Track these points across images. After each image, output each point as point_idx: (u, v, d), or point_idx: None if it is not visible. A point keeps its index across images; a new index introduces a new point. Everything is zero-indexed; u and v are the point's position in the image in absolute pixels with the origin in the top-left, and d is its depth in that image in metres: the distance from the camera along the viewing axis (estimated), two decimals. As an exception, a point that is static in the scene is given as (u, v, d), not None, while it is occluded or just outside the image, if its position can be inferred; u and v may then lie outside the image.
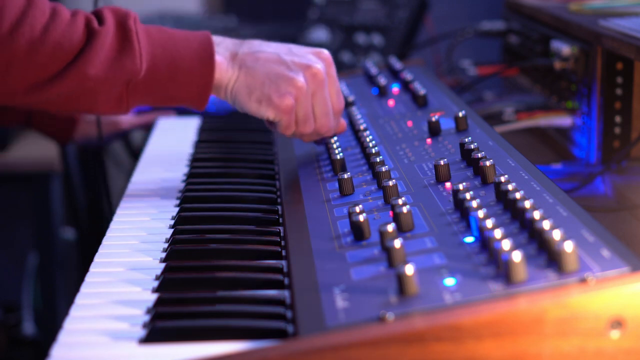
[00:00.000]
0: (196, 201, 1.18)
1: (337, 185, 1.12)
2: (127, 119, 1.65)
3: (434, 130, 1.23)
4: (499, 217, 0.92)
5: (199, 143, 1.48)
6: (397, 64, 1.59)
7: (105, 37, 1.08)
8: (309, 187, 1.15)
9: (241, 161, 1.36)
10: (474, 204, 0.91)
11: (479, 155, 1.05)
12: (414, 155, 1.18)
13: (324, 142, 1.27)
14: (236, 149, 1.43)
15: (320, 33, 2.10)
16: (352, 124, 1.33)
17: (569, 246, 0.79)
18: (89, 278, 0.97)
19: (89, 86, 1.08)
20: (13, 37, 1.04)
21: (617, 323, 0.76)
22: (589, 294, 0.76)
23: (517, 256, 0.79)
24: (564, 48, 1.43)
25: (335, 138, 1.24)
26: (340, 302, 0.83)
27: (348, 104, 1.44)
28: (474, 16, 2.06)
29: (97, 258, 1.03)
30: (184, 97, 1.15)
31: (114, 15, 1.11)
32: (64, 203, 2.39)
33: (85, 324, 0.87)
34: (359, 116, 1.35)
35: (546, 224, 0.83)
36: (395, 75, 1.57)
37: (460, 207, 0.95)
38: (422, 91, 1.38)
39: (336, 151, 1.19)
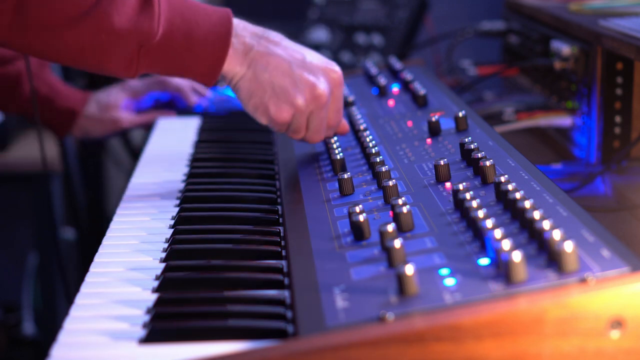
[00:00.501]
0: (196, 201, 1.18)
1: (337, 185, 1.12)
2: (128, 118, 1.65)
3: (434, 130, 1.23)
4: (499, 217, 0.92)
5: (199, 143, 1.48)
6: (397, 64, 1.59)
7: None
8: (309, 187, 1.15)
9: (241, 161, 1.36)
10: (474, 203, 0.91)
11: (479, 155, 1.05)
12: (414, 155, 1.18)
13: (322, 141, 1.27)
14: (236, 149, 1.43)
15: (320, 33, 2.09)
16: (352, 124, 1.33)
17: (569, 246, 0.79)
18: (89, 278, 0.97)
19: (102, 39, 1.06)
20: None
21: (617, 323, 0.76)
22: (589, 294, 0.76)
23: (517, 256, 0.79)
24: (564, 48, 1.43)
25: (335, 138, 1.24)
26: (340, 302, 0.83)
27: (348, 104, 1.44)
28: (474, 16, 2.06)
29: (97, 258, 1.03)
30: (194, 70, 1.13)
31: None
32: (64, 203, 2.39)
33: (85, 324, 0.87)
34: (359, 116, 1.35)
35: (546, 224, 0.83)
36: (395, 75, 1.57)
37: (461, 207, 0.94)
38: (422, 91, 1.38)
39: (336, 151, 1.19)
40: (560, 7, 1.58)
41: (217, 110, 1.68)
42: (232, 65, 1.15)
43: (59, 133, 1.65)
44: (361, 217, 0.95)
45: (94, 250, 1.05)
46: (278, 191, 1.20)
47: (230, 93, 1.69)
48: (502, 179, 0.95)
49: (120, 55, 1.08)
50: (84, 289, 0.95)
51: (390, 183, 1.03)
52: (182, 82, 1.68)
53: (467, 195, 0.93)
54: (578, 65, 1.41)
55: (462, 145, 1.11)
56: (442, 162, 1.06)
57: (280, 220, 1.10)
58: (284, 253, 1.01)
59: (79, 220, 2.37)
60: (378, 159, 1.13)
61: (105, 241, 1.08)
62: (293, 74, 1.16)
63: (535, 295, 0.77)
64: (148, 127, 1.67)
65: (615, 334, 0.77)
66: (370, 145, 1.19)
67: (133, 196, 1.24)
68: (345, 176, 1.09)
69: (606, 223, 0.88)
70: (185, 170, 1.33)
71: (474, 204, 0.91)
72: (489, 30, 1.79)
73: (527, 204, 0.88)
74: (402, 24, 1.97)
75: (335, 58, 2.00)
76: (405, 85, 1.48)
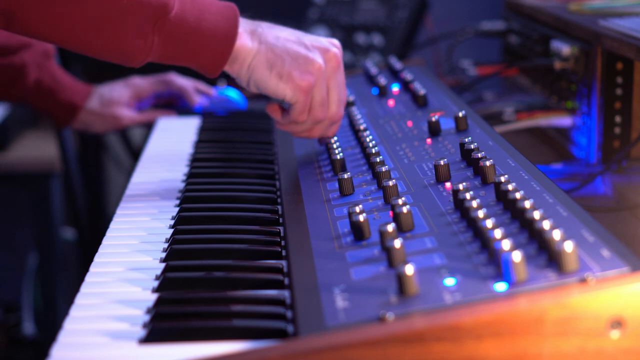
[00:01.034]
0: (196, 201, 1.18)
1: (337, 185, 1.12)
2: (129, 115, 1.65)
3: (434, 130, 1.23)
4: (499, 217, 0.92)
5: (199, 143, 1.48)
6: (397, 64, 1.59)
7: None
8: (309, 187, 1.15)
9: (241, 161, 1.36)
10: (474, 203, 0.91)
11: (479, 155, 1.05)
12: (414, 155, 1.18)
13: (324, 141, 1.27)
14: (236, 149, 1.43)
15: (320, 33, 2.09)
16: (352, 124, 1.33)
17: (569, 246, 0.79)
18: (89, 278, 0.97)
19: (119, 6, 1.03)
20: None
21: (617, 323, 0.76)
22: (589, 294, 0.76)
23: (517, 256, 0.79)
24: (564, 48, 1.43)
25: (335, 138, 1.24)
26: (340, 302, 0.83)
27: (348, 104, 1.44)
28: (474, 16, 2.06)
29: (97, 258, 1.02)
30: (205, 53, 1.12)
31: None
32: (64, 203, 2.39)
33: (85, 324, 0.87)
34: (359, 116, 1.35)
35: (546, 224, 0.83)
36: (395, 75, 1.57)
37: (461, 207, 0.94)
38: (422, 91, 1.38)
39: (336, 151, 1.19)
40: (560, 7, 1.58)
41: (217, 110, 1.68)
42: (244, 42, 1.14)
43: (59, 124, 1.65)
44: (361, 217, 0.95)
45: (94, 250, 1.05)
46: (278, 191, 1.20)
47: (231, 93, 1.69)
48: (502, 179, 0.95)
49: (135, 28, 1.06)
50: (84, 289, 0.95)
51: (390, 183, 1.03)
52: (185, 82, 1.68)
53: (467, 195, 0.93)
54: (578, 65, 1.41)
55: (462, 145, 1.11)
56: (442, 162, 1.06)
57: (280, 220, 1.10)
58: (284, 253, 1.01)
59: (79, 220, 2.37)
60: (378, 159, 1.13)
61: (105, 241, 1.08)
62: (303, 42, 1.17)
63: (535, 295, 0.77)
64: (148, 126, 1.67)
65: (615, 334, 0.77)
66: (370, 145, 1.19)
67: (133, 196, 1.24)
68: (345, 176, 1.09)
69: (606, 223, 0.88)
70: (185, 170, 1.33)
71: (474, 204, 0.91)
72: (489, 30, 1.79)
73: (527, 204, 0.88)
74: (402, 24, 1.97)
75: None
76: (405, 85, 1.48)
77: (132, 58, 1.09)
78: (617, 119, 1.36)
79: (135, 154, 2.37)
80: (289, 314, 0.86)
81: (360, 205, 0.99)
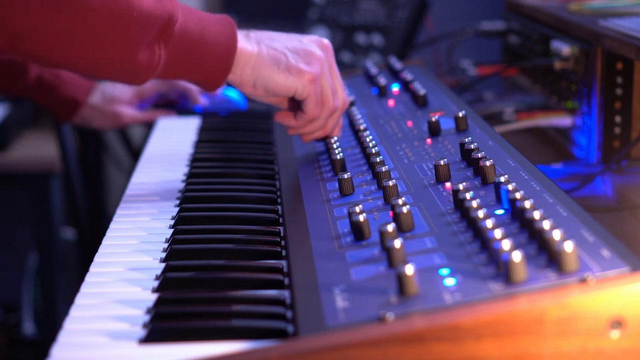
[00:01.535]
0: (196, 201, 1.18)
1: (337, 185, 1.12)
2: (129, 114, 1.65)
3: (434, 130, 1.23)
4: (498, 217, 0.92)
5: (199, 143, 1.48)
6: (397, 64, 1.59)
7: None
8: (309, 187, 1.15)
9: (241, 161, 1.36)
10: (474, 203, 0.91)
11: (479, 155, 1.05)
12: (414, 155, 1.18)
13: (325, 140, 1.27)
14: (236, 149, 1.43)
15: (320, 33, 2.10)
16: (352, 124, 1.33)
17: (569, 246, 0.79)
18: (89, 278, 0.97)
19: (129, 19, 1.02)
20: None
21: (617, 323, 0.76)
22: (589, 294, 0.76)
23: (517, 256, 0.79)
24: (564, 48, 1.43)
25: (335, 138, 1.24)
26: (340, 302, 0.83)
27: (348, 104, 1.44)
28: (474, 16, 2.06)
29: (97, 258, 1.02)
30: (208, 63, 1.11)
31: None
32: (64, 203, 2.39)
33: (85, 324, 0.87)
34: (359, 116, 1.35)
35: (546, 224, 0.83)
36: (395, 75, 1.57)
37: (460, 207, 0.95)
38: (422, 91, 1.38)
39: (336, 151, 1.19)
40: (560, 7, 1.58)
41: (217, 110, 1.68)
42: (244, 46, 1.14)
43: (60, 119, 1.65)
44: (361, 217, 0.95)
45: (94, 250, 1.05)
46: (278, 191, 1.20)
47: (231, 93, 1.69)
48: (502, 179, 0.95)
49: (145, 40, 1.05)
50: (84, 289, 0.95)
51: (390, 183, 1.03)
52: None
53: (467, 195, 0.93)
54: (578, 65, 1.41)
55: (462, 145, 1.11)
56: (442, 162, 1.06)
57: (280, 220, 1.10)
58: (284, 253, 1.01)
59: (79, 220, 2.37)
60: (378, 159, 1.13)
61: (105, 241, 1.08)
62: (296, 37, 1.19)
63: (535, 295, 0.77)
64: (149, 125, 1.67)
65: (615, 334, 0.77)
66: (370, 145, 1.19)
67: (133, 196, 1.24)
68: (345, 176, 1.09)
69: (606, 223, 0.88)
70: (185, 170, 1.33)
71: (474, 204, 0.91)
72: (489, 30, 1.79)
73: (527, 204, 0.88)
74: (402, 24, 1.97)
75: (335, 58, 2.00)
76: (405, 85, 1.48)
77: (138, 74, 1.08)
78: (617, 119, 1.36)
79: (135, 154, 2.37)
80: (289, 314, 0.86)
81: (360, 205, 0.99)
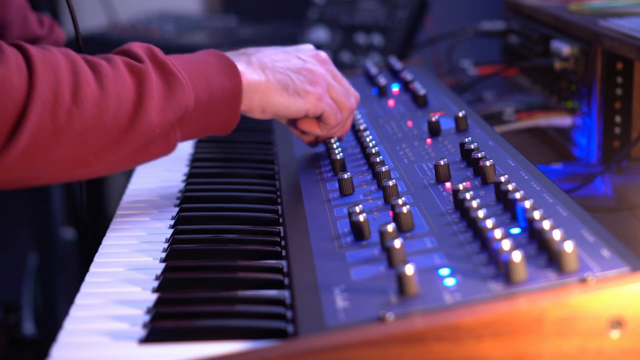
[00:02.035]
0: (196, 201, 1.18)
1: (337, 185, 1.12)
2: None
3: (434, 130, 1.23)
4: (499, 217, 0.92)
5: (199, 143, 1.48)
6: (397, 64, 1.59)
7: (151, 75, 1.00)
8: (309, 187, 1.15)
9: (241, 161, 1.36)
10: (474, 203, 0.91)
11: (479, 155, 1.05)
12: (414, 155, 1.18)
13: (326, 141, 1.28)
14: (236, 149, 1.43)
15: (320, 33, 2.10)
16: (352, 124, 1.33)
17: (569, 246, 0.79)
18: (89, 278, 0.97)
19: (152, 135, 1.00)
20: (77, 103, 0.94)
21: (617, 323, 0.76)
22: (589, 294, 0.76)
23: (517, 256, 0.79)
24: (564, 48, 1.43)
25: (335, 138, 1.24)
26: (340, 302, 0.83)
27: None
28: (474, 16, 2.06)
29: (97, 258, 1.03)
30: (218, 119, 1.09)
31: (141, 49, 1.03)
32: (64, 203, 2.39)
33: (85, 324, 0.87)
34: (359, 116, 1.35)
35: (546, 224, 0.83)
36: (395, 75, 1.57)
37: (461, 207, 0.95)
38: (422, 91, 1.38)
39: (336, 151, 1.19)
40: (560, 7, 1.58)
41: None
42: (249, 78, 1.10)
43: None
44: (361, 217, 0.95)
45: (94, 250, 1.05)
46: (278, 191, 1.20)
47: None
48: (502, 179, 0.95)
49: (161, 140, 1.03)
50: (84, 289, 0.95)
51: (390, 183, 1.03)
52: None
53: (467, 195, 0.93)
54: (578, 65, 1.41)
55: (462, 145, 1.11)
56: (442, 162, 1.06)
57: (280, 220, 1.10)
58: (284, 253, 1.01)
59: (79, 220, 2.37)
60: (378, 159, 1.13)
61: (105, 241, 1.08)
62: (293, 55, 1.18)
63: (535, 295, 0.77)
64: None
65: (615, 334, 0.77)
66: (370, 145, 1.19)
67: (133, 196, 1.24)
68: (345, 176, 1.09)
69: (606, 223, 0.88)
70: (185, 170, 1.33)
71: (474, 204, 0.91)
72: (489, 30, 1.79)
73: (527, 204, 0.88)
74: (402, 24, 1.97)
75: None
76: (405, 85, 1.48)
77: (153, 159, 1.06)
78: (617, 119, 1.36)
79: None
80: (289, 314, 0.86)
81: (360, 205, 0.99)
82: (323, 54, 1.22)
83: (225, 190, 1.23)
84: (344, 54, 2.03)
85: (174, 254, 1.01)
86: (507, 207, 0.93)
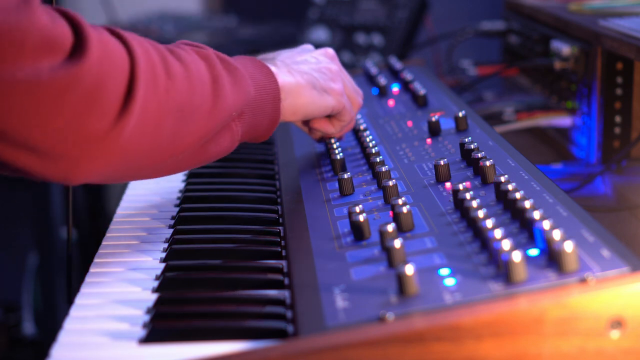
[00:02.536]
0: (196, 201, 1.18)
1: (337, 185, 1.12)
2: None
3: (434, 130, 1.23)
4: (499, 217, 0.92)
5: (199, 143, 1.47)
6: (397, 64, 1.59)
7: (215, 59, 1.00)
8: (309, 187, 1.15)
9: (241, 161, 1.36)
10: (474, 203, 0.91)
11: (479, 155, 1.05)
12: (414, 155, 1.18)
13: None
14: (236, 149, 1.43)
15: (320, 33, 2.10)
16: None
17: (569, 246, 0.79)
18: (89, 278, 0.97)
19: (230, 117, 1.01)
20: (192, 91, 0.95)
21: (617, 323, 0.76)
22: (589, 294, 0.76)
23: (517, 256, 0.79)
24: (564, 48, 1.43)
25: (335, 138, 1.24)
26: (340, 302, 0.83)
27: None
28: (474, 16, 2.06)
29: (97, 258, 1.03)
30: (266, 117, 1.08)
31: (197, 47, 1.03)
32: (64, 203, 2.39)
33: (85, 324, 0.87)
34: (359, 116, 1.35)
35: (546, 224, 0.83)
36: (395, 75, 1.57)
37: (461, 207, 0.95)
38: (422, 91, 1.38)
39: (336, 151, 1.19)
40: (560, 7, 1.58)
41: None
42: (284, 80, 1.10)
43: None
44: (361, 217, 0.95)
45: (94, 250, 1.05)
46: (278, 191, 1.20)
47: None
48: (502, 179, 0.95)
49: (228, 132, 1.04)
50: (84, 289, 0.95)
51: (390, 183, 1.03)
52: None
53: (467, 195, 0.93)
54: (578, 65, 1.41)
55: (462, 145, 1.11)
56: (442, 162, 1.06)
57: (280, 220, 1.10)
58: (284, 253, 1.01)
59: (79, 220, 2.37)
60: (378, 159, 1.13)
61: (105, 241, 1.08)
62: (306, 55, 1.19)
63: (535, 295, 0.77)
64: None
65: (615, 334, 0.77)
66: (370, 145, 1.19)
67: (133, 196, 1.24)
68: (345, 176, 1.09)
69: (606, 223, 0.88)
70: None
71: (474, 204, 0.91)
72: (489, 30, 1.79)
73: (527, 204, 0.88)
74: (402, 24, 1.97)
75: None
76: (405, 85, 1.48)
77: (219, 156, 1.06)
78: (617, 119, 1.36)
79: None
80: (289, 314, 0.86)
81: (360, 205, 0.99)
82: (331, 51, 1.23)
83: (226, 190, 1.23)
84: (344, 54, 2.03)
85: (174, 254, 1.01)
86: (507, 207, 0.93)
